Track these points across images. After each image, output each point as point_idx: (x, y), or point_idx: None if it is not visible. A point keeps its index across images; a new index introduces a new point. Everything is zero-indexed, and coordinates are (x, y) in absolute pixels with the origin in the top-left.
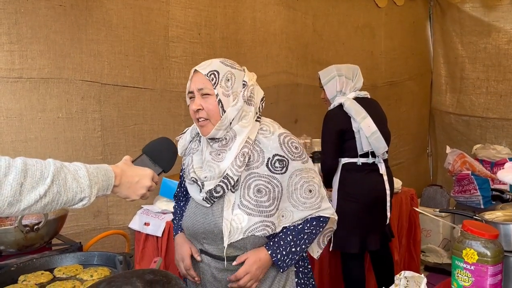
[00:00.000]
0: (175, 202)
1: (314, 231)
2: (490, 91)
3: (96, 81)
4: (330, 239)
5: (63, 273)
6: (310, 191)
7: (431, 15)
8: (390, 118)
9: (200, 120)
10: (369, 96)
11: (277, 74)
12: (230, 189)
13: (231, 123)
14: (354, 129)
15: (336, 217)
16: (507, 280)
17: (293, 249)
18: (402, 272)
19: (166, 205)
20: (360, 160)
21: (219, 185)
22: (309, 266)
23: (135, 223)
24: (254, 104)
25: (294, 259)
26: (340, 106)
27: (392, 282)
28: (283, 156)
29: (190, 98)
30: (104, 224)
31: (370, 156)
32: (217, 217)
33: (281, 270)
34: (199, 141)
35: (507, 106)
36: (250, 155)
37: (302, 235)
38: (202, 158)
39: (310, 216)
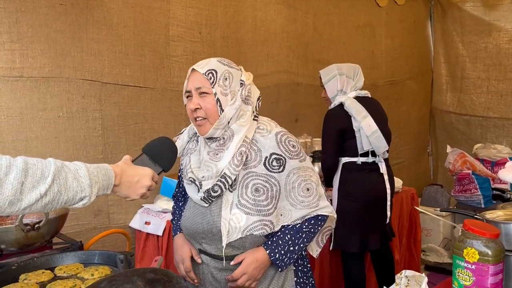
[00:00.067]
0: (174, 203)
1: (312, 230)
2: (491, 91)
3: (97, 80)
4: (331, 238)
5: (64, 272)
6: (308, 189)
7: (432, 15)
8: (391, 117)
9: (198, 119)
10: (369, 96)
11: (278, 73)
12: (228, 189)
13: (229, 122)
14: (354, 128)
15: (335, 215)
16: (508, 279)
17: (292, 248)
18: (403, 271)
19: (167, 204)
20: (360, 159)
21: (216, 184)
22: (309, 265)
23: (136, 222)
24: (251, 103)
25: (293, 258)
26: (341, 105)
27: (393, 281)
28: (280, 155)
29: (187, 97)
30: (104, 223)
31: (370, 155)
32: (215, 217)
33: (280, 270)
34: (197, 141)
35: (507, 105)
36: (247, 154)
37: (300, 234)
38: (200, 158)
39: (308, 216)
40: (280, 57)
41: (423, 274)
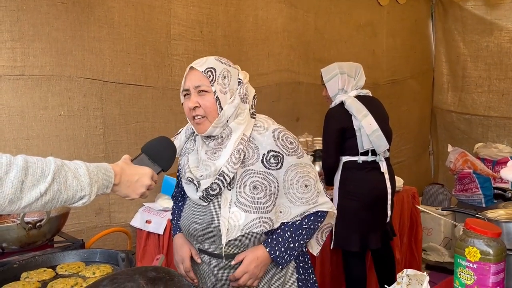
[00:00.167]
0: (173, 203)
1: (312, 226)
2: (492, 90)
3: (98, 78)
4: (331, 237)
5: (66, 270)
6: (306, 186)
7: (433, 14)
8: (392, 116)
9: (196, 118)
10: (370, 95)
11: (279, 72)
12: (227, 187)
13: (227, 120)
14: (355, 127)
15: (335, 211)
16: (509, 279)
17: (292, 245)
18: (405, 270)
19: (168, 203)
20: (361, 158)
21: (215, 182)
22: (309, 262)
23: (137, 221)
24: (248, 102)
25: (293, 255)
26: (342, 104)
27: (394, 281)
28: (278, 152)
29: (185, 96)
30: (105, 221)
31: (370, 154)
32: (214, 216)
33: (281, 267)
34: (194, 141)
35: (509, 104)
36: (245, 152)
37: (300, 230)
38: (198, 158)
39: (307, 212)
40: (281, 56)
41: (425, 273)
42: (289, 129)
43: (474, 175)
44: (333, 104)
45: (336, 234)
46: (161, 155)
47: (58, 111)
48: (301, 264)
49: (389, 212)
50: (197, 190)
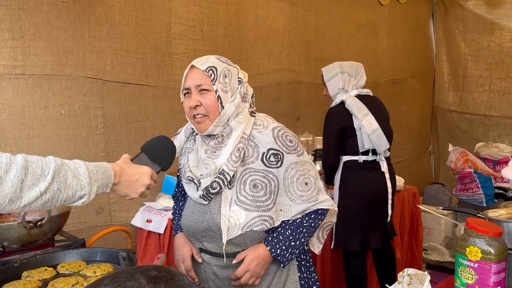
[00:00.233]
0: (174, 203)
1: (313, 224)
2: (493, 89)
3: (99, 78)
4: (332, 237)
5: (66, 269)
6: (306, 183)
7: (434, 13)
8: (392, 116)
9: (197, 116)
10: (371, 94)
11: (280, 71)
12: (227, 185)
13: (228, 119)
14: (355, 126)
15: (336, 209)
16: (510, 278)
17: (293, 243)
18: (406, 269)
19: (169, 202)
20: (361, 158)
21: (215, 181)
22: (311, 260)
23: (137, 220)
24: (248, 101)
25: (294, 253)
26: (342, 103)
27: (394, 280)
28: (278, 150)
29: (185, 94)
30: (106, 221)
31: (371, 153)
32: (215, 214)
33: (282, 265)
34: (194, 140)
35: (510, 104)
36: (245, 151)
37: (301, 228)
38: (198, 157)
39: (308, 210)
40: (282, 55)
41: (426, 273)
42: (289, 129)
43: (475, 174)
44: (333, 104)
45: (336, 234)
46: (161, 154)
47: (59, 110)
48: (302, 263)
49: (389, 212)
50: (197, 189)
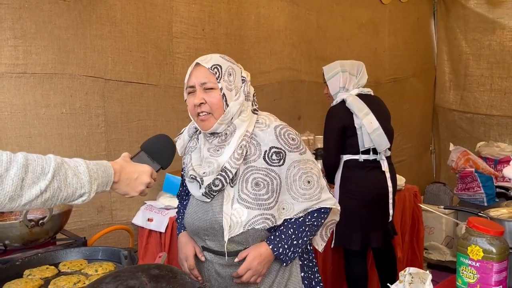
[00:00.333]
0: (179, 202)
1: (315, 223)
2: (494, 89)
3: (100, 76)
4: (332, 236)
5: (68, 267)
6: (309, 182)
7: (435, 12)
8: (393, 115)
9: (201, 114)
10: (372, 93)
11: (281, 70)
12: (229, 183)
13: (232, 118)
14: (356, 125)
15: (338, 208)
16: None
17: (295, 242)
18: (407, 268)
19: (170, 201)
20: (362, 157)
21: (217, 178)
22: (314, 260)
23: (139, 219)
24: (250, 99)
25: (297, 252)
26: (343, 102)
27: (395, 279)
28: (280, 148)
29: (190, 93)
30: (107, 219)
31: (371, 153)
32: (217, 212)
33: (284, 264)
34: (197, 139)
35: (511, 103)
36: (247, 149)
37: (303, 227)
38: (201, 156)
39: (311, 209)
40: (283, 54)
41: (427, 272)
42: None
43: (476, 174)
44: (334, 102)
45: (337, 233)
46: (161, 153)
47: (60, 109)
48: (305, 262)
49: (391, 211)
50: (200, 187)
